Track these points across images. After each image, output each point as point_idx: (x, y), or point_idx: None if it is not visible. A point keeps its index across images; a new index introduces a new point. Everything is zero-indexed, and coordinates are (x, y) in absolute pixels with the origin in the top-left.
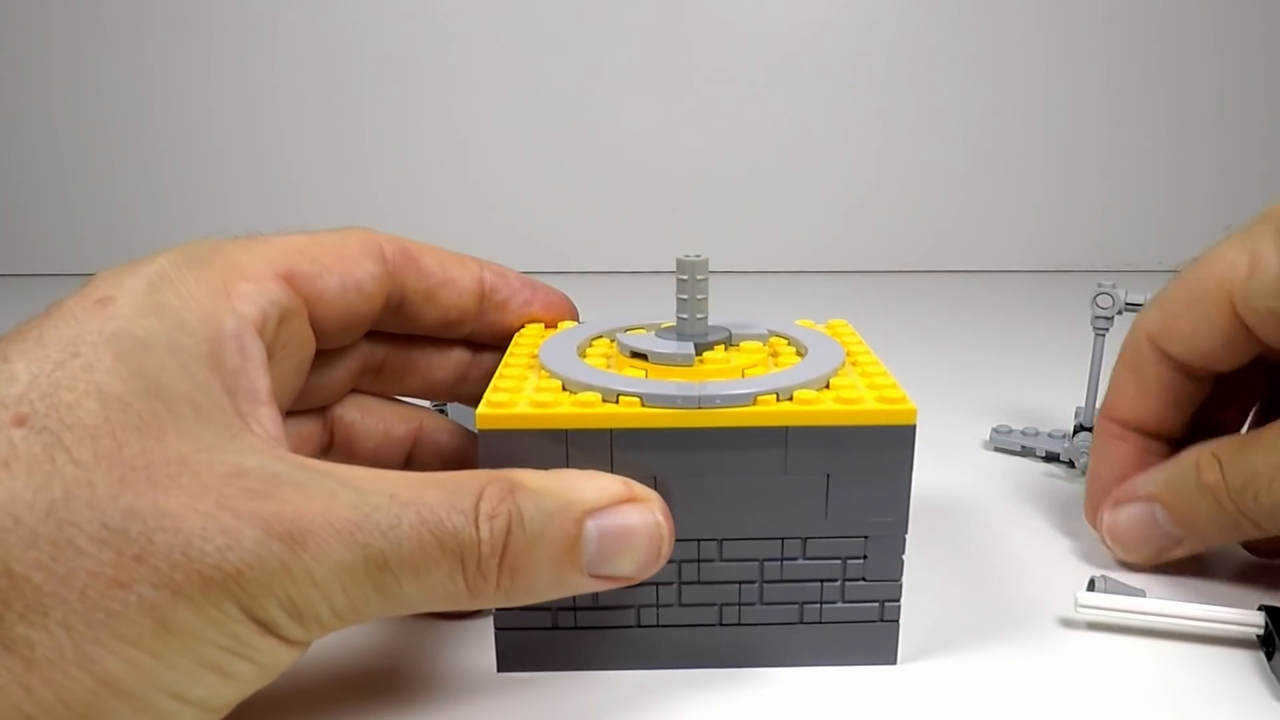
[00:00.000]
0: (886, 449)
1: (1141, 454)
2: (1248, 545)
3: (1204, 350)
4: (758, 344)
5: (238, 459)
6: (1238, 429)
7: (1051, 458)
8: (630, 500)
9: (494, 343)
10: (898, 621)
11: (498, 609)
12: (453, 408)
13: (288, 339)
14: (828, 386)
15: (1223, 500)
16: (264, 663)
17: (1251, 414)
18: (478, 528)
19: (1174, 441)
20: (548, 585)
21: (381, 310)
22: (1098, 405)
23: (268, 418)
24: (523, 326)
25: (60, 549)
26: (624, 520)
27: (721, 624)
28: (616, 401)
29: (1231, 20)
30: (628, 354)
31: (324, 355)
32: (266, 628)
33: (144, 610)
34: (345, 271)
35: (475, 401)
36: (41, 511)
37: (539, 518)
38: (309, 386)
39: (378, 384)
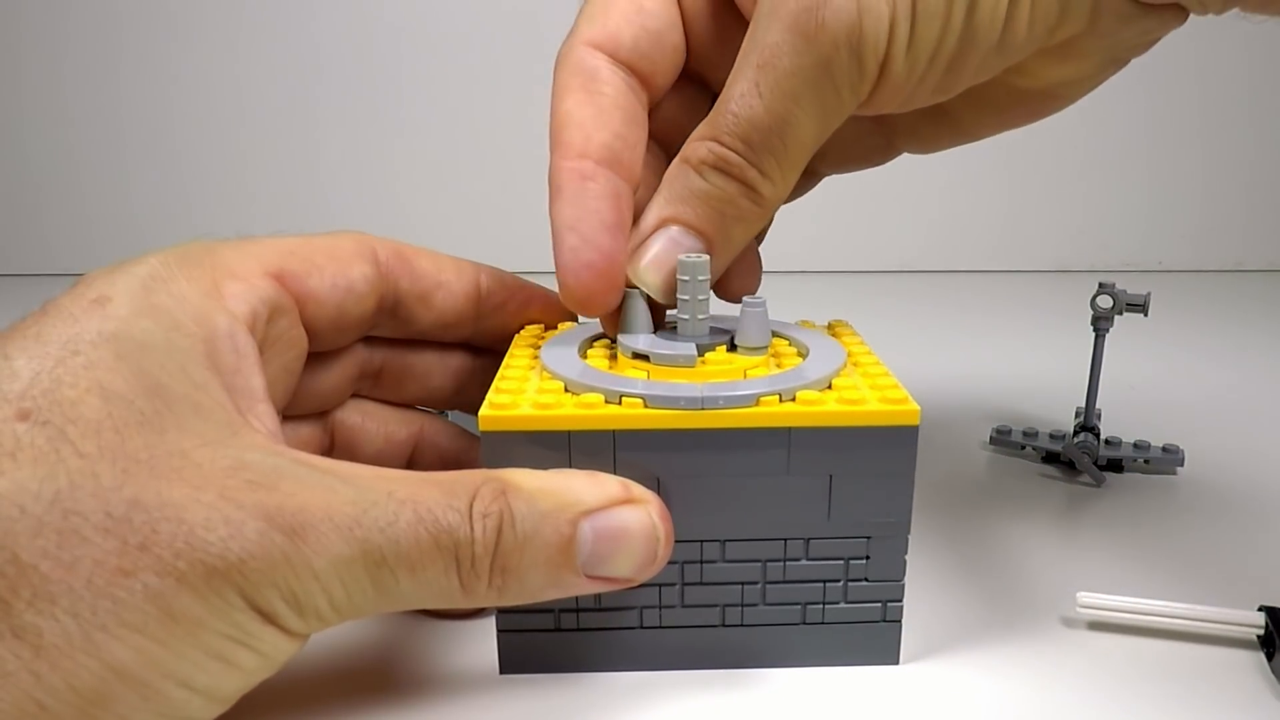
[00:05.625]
0: (889, 449)
1: (616, 196)
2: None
3: (653, 31)
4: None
5: (239, 453)
6: None
7: (1051, 458)
8: (627, 502)
9: (493, 346)
10: (900, 622)
11: (500, 611)
12: (453, 414)
13: (278, 336)
14: (830, 387)
15: (706, 171)
16: (266, 652)
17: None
18: (472, 526)
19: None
20: (542, 585)
21: (375, 312)
22: (1098, 405)
23: (265, 414)
24: (522, 328)
25: (66, 537)
26: (619, 522)
27: (724, 625)
28: (619, 403)
29: (1227, 23)
30: (629, 355)
31: (321, 358)
32: (268, 617)
33: (149, 598)
34: (336, 271)
35: (475, 409)
36: (47, 501)
37: (531, 518)
38: (307, 390)
39: (377, 390)
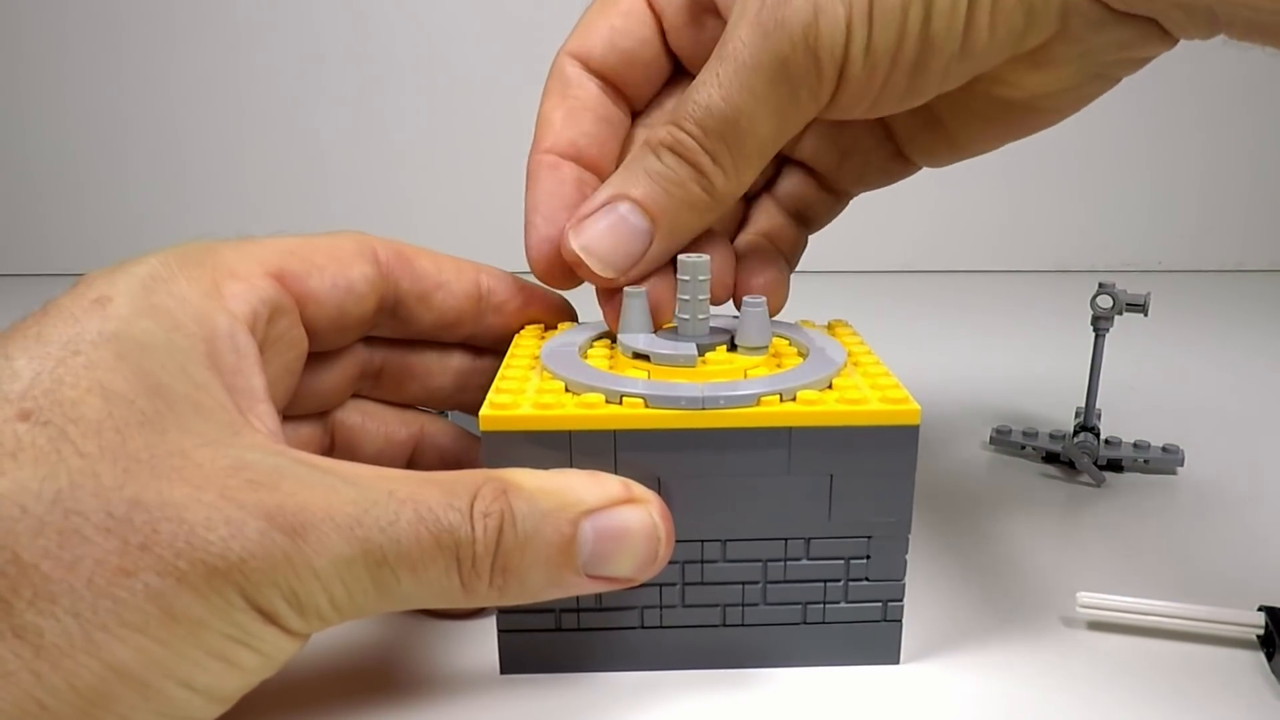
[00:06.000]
0: (890, 449)
1: (578, 182)
2: None
3: (623, 49)
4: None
5: (240, 453)
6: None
7: (1051, 458)
8: (628, 501)
9: (493, 346)
10: (900, 621)
11: (500, 611)
12: (453, 414)
13: (278, 337)
14: (830, 387)
15: (663, 152)
16: (267, 652)
17: None
18: (473, 525)
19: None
20: (543, 585)
21: (376, 312)
22: (1098, 405)
23: (266, 414)
24: (522, 328)
25: (67, 537)
26: (620, 521)
27: (725, 625)
28: (620, 403)
29: None
30: (630, 355)
31: (321, 358)
32: (269, 617)
33: (149, 598)
34: (337, 271)
35: (475, 409)
36: (48, 501)
37: (532, 517)
38: (307, 390)
39: (377, 390)
